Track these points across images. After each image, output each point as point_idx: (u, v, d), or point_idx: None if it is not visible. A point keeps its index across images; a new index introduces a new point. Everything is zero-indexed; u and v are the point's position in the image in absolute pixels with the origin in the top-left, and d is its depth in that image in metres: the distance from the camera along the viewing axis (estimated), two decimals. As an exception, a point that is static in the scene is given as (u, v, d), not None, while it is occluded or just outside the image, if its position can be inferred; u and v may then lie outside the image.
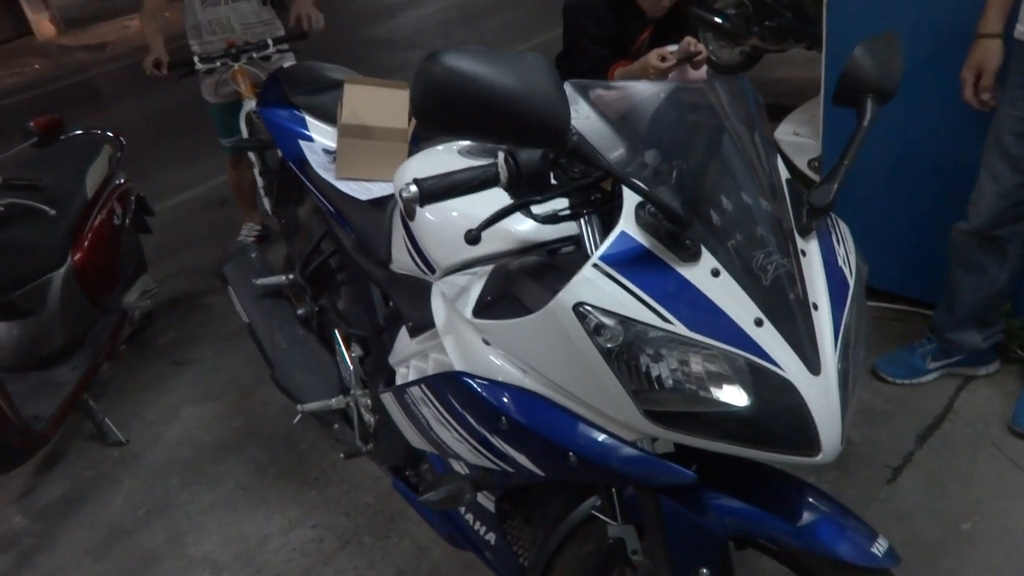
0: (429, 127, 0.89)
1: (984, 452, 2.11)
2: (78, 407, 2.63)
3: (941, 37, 2.19)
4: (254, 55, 3.11)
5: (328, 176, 1.94)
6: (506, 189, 1.10)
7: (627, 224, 1.03)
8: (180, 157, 5.28)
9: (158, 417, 2.79)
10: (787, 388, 0.99)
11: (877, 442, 2.17)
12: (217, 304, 3.43)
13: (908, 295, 2.61)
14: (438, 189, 1.08)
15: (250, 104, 2.97)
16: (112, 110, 7.18)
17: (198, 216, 4.40)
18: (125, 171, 3.14)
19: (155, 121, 6.33)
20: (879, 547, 1.11)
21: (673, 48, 2.35)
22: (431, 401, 1.32)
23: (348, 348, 1.97)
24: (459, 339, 1.24)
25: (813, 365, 1.00)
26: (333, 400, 1.99)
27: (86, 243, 2.71)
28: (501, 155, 1.08)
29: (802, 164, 2.90)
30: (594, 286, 0.99)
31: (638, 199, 1.03)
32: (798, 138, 2.98)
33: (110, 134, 3.22)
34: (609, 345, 0.99)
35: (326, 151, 2.04)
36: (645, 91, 1.19)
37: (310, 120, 2.12)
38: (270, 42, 3.11)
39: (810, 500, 1.17)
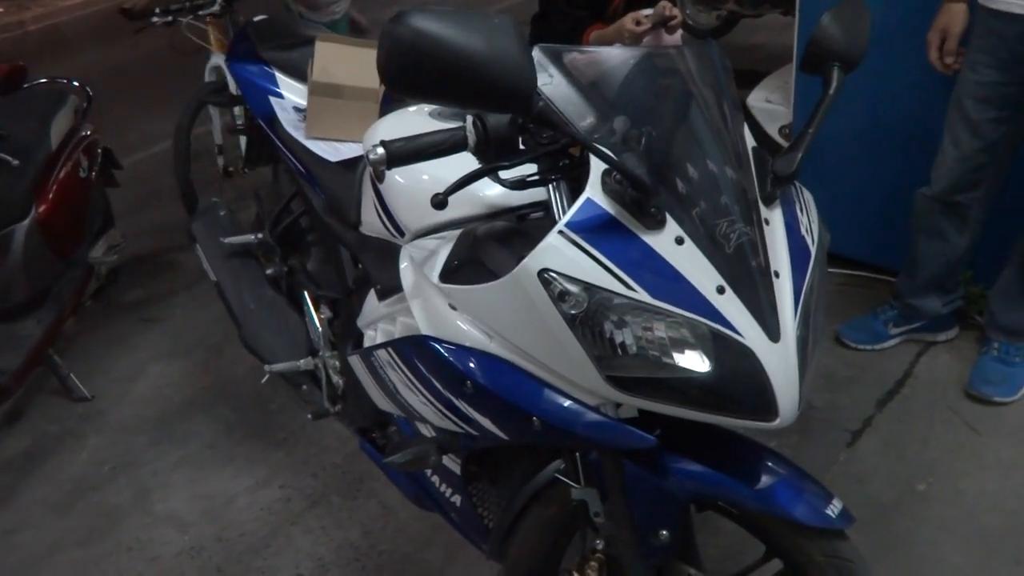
0: (395, 89, 0.88)
1: (941, 416, 2.17)
2: (42, 362, 2.60)
3: (910, 5, 2.20)
4: (200, 12, 3.05)
5: (298, 135, 1.91)
6: (474, 153, 1.09)
7: (593, 191, 1.03)
8: (149, 110, 5.15)
9: (125, 374, 2.77)
10: (747, 354, 1.00)
11: (838, 407, 2.22)
12: (186, 261, 3.39)
13: (873, 262, 2.65)
14: (405, 152, 1.07)
15: (217, 59, 2.91)
16: (78, 59, 6.97)
17: (167, 171, 4.29)
18: (92, 123, 3.06)
19: (123, 72, 6.16)
20: (833, 508, 1.14)
21: (648, 12, 2.33)
22: (397, 364, 1.33)
23: (317, 309, 1.97)
24: (426, 303, 1.24)
25: (773, 332, 1.02)
26: (301, 361, 1.99)
27: (51, 195, 2.66)
28: (469, 119, 1.07)
29: (773, 131, 2.91)
30: (559, 253, 1.00)
31: (604, 166, 1.03)
32: (770, 105, 2.98)
33: (76, 84, 3.13)
34: (573, 311, 1.00)
35: (296, 109, 2.01)
36: (615, 57, 1.18)
37: (280, 76, 2.08)
38: None
39: (768, 464, 1.19)
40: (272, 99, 2.03)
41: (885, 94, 2.36)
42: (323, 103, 1.90)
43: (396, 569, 1.93)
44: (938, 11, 2.02)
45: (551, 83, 1.07)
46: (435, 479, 1.55)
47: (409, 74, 0.86)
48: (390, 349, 1.34)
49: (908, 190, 2.27)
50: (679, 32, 2.46)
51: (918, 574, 1.78)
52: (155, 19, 2.99)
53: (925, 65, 2.09)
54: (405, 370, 1.30)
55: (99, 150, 3.07)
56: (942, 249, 2.23)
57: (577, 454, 1.26)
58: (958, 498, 1.94)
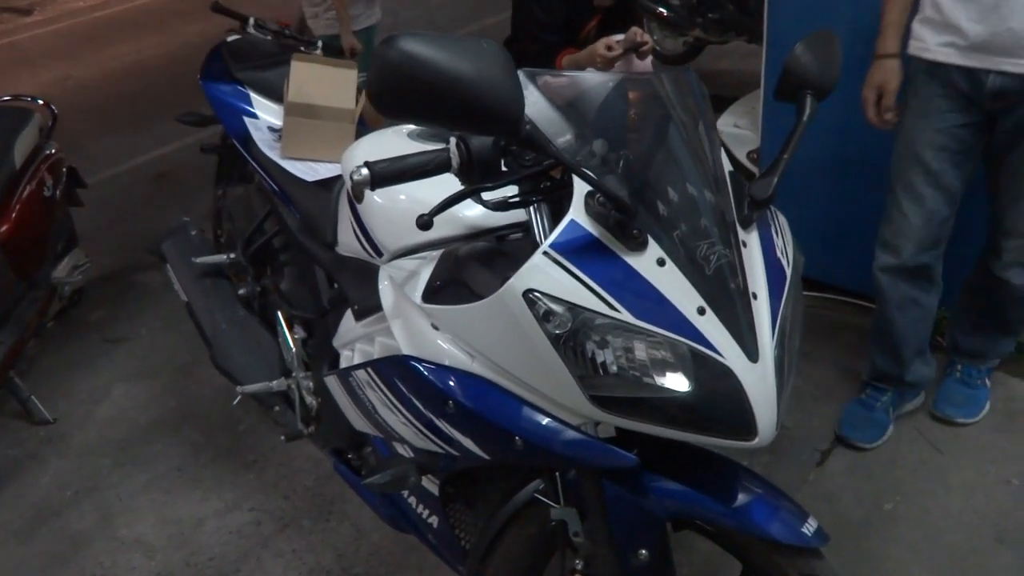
0: (385, 111, 0.89)
1: (907, 436, 2.21)
2: (3, 384, 2.54)
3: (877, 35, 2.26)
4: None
5: (273, 155, 1.91)
6: (457, 175, 1.10)
7: (577, 213, 1.04)
8: (114, 128, 5.10)
9: (88, 396, 2.71)
10: (726, 374, 1.02)
11: (808, 426, 2.26)
12: (151, 282, 3.34)
13: (838, 284, 2.70)
14: (389, 173, 1.07)
15: None
16: (41, 77, 6.87)
17: (133, 190, 4.25)
18: (56, 141, 3.01)
19: (88, 90, 6.08)
20: (809, 527, 1.16)
21: (620, 37, 2.37)
22: (377, 384, 1.32)
23: (291, 330, 1.95)
24: (407, 323, 1.24)
25: (751, 352, 1.04)
26: (274, 382, 1.97)
27: (13, 215, 2.60)
28: (453, 141, 1.08)
29: (741, 155, 2.97)
30: (544, 273, 1.01)
31: (588, 188, 1.05)
32: (738, 130, 3.05)
33: (40, 101, 3.09)
34: (557, 331, 1.01)
35: (271, 129, 2.00)
36: (594, 80, 1.21)
37: (255, 97, 2.08)
38: None
39: (744, 483, 1.21)
40: (246, 119, 2.03)
41: (851, 122, 2.42)
42: (299, 123, 1.91)
43: (369, 593, 1.91)
44: (871, 69, 1.97)
45: (533, 106, 1.08)
46: (412, 500, 1.54)
47: (399, 96, 0.87)
48: (369, 369, 1.34)
49: (872, 215, 2.31)
50: (649, 58, 2.51)
51: (886, 591, 1.81)
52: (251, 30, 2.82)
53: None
54: (385, 390, 1.30)
55: (64, 169, 3.03)
56: (918, 316, 2.13)
57: (557, 474, 1.26)
58: (924, 517, 1.98)
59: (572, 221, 1.04)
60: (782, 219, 1.25)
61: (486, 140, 1.08)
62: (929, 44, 1.88)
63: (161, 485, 2.30)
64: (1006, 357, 2.32)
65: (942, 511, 1.99)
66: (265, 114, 2.04)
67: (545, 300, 1.00)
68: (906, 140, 1.99)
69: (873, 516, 1.99)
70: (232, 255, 2.18)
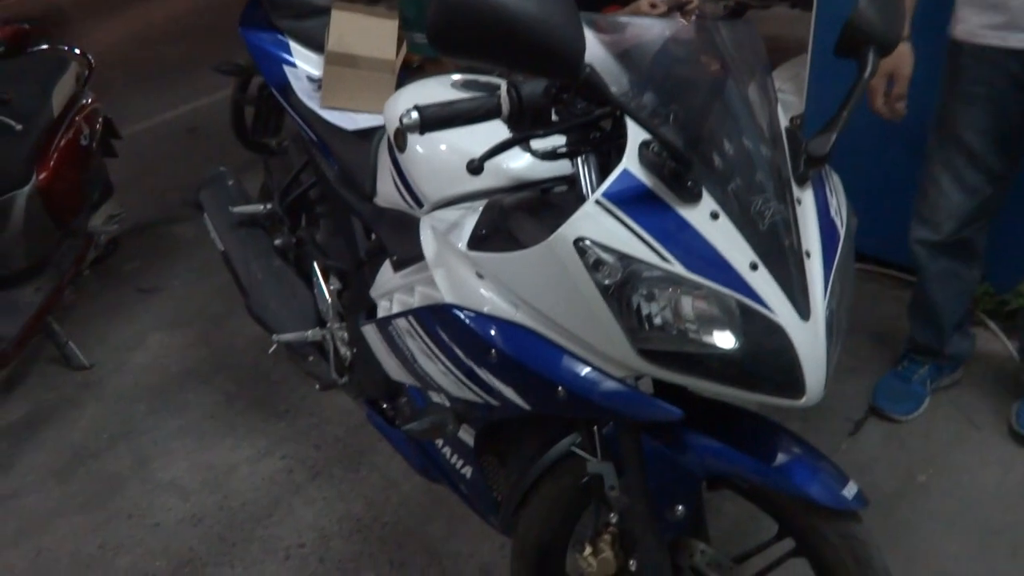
0: (443, 49, 0.87)
1: (943, 411, 2.18)
2: (41, 330, 2.58)
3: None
4: None
5: (312, 104, 1.89)
6: (506, 122, 1.09)
7: (630, 162, 1.02)
8: (148, 81, 5.11)
9: (123, 343, 2.75)
10: (777, 331, 1.01)
11: (841, 395, 2.23)
12: (184, 234, 3.37)
13: (876, 255, 2.66)
14: (440, 117, 1.06)
15: None
16: (77, 31, 6.89)
17: (166, 143, 4.27)
18: (92, 91, 3.02)
19: (123, 43, 6.09)
20: (849, 490, 1.15)
21: (665, -5, 2.32)
22: (417, 333, 1.32)
23: (326, 280, 1.95)
24: (450, 272, 1.24)
25: (803, 310, 1.02)
26: (309, 332, 1.98)
27: (52, 162, 2.62)
28: (504, 86, 1.06)
29: (785, 121, 2.90)
30: (595, 222, 0.99)
31: (642, 137, 1.03)
32: (781, 95, 2.97)
33: (77, 51, 3.09)
34: (607, 281, 0.99)
35: (310, 79, 1.98)
36: (651, 28, 1.18)
37: (294, 46, 2.05)
38: None
39: (784, 443, 1.20)
40: (286, 68, 2.01)
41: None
42: (339, 72, 1.89)
43: (398, 541, 1.93)
44: None
45: (589, 51, 1.06)
46: (446, 450, 1.55)
47: (458, 34, 0.86)
48: (411, 317, 1.33)
49: (912, 186, 2.25)
50: (693, 17, 2.45)
51: (917, 562, 1.80)
52: None
53: (935, 59, 2.02)
54: (426, 339, 1.30)
55: (100, 119, 3.04)
56: (959, 289, 2.10)
57: (595, 428, 1.26)
58: (957, 490, 1.96)
59: (625, 170, 1.02)
60: (836, 179, 1.22)
61: (537, 87, 1.06)
62: (974, 26, 1.80)
63: (194, 431, 2.33)
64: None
65: (977, 486, 1.97)
66: (304, 63, 2.02)
67: (596, 249, 0.99)
68: (947, 123, 1.92)
69: (906, 488, 1.97)
70: (268, 205, 2.18)
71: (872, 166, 2.52)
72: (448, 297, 1.23)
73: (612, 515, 1.29)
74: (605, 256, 0.99)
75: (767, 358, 1.01)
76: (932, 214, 2.00)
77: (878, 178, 2.53)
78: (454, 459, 1.54)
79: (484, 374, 1.19)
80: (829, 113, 1.16)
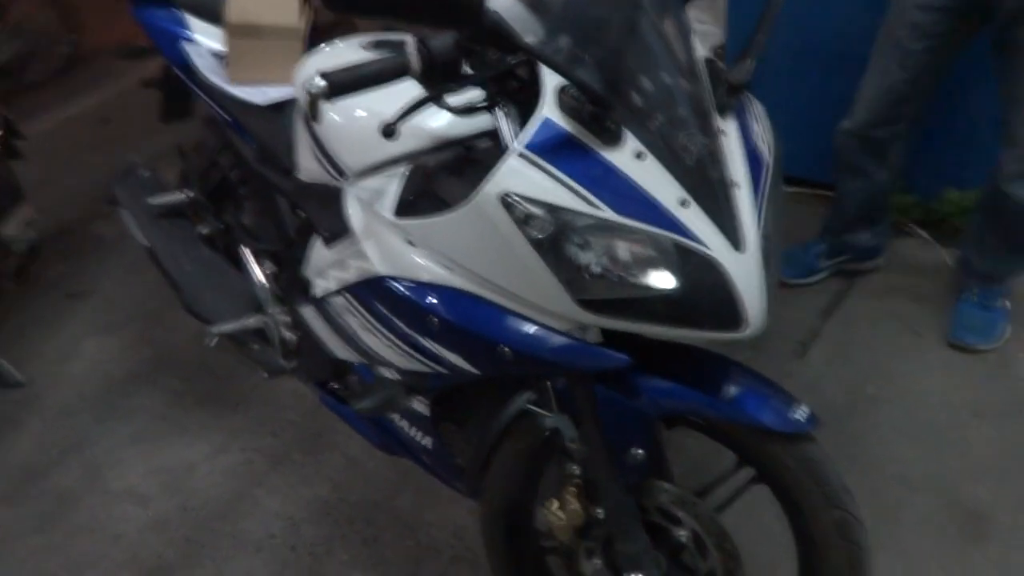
0: (336, 6, 0.82)
1: (884, 322, 2.24)
2: (-33, 350, 2.46)
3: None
4: None
5: (219, 81, 1.81)
6: (418, 79, 1.04)
7: (549, 110, 1.00)
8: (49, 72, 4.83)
9: (59, 354, 2.64)
10: (712, 266, 1.00)
11: (786, 320, 2.27)
12: (109, 231, 3.22)
13: (810, 178, 2.69)
14: (348, 80, 1.01)
15: None
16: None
17: (76, 137, 4.06)
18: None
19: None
20: (801, 413, 1.16)
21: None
22: (356, 309, 1.29)
23: (259, 264, 1.89)
24: (380, 242, 1.20)
25: (736, 242, 1.02)
26: (250, 320, 1.91)
27: (-51, 172, 2.47)
28: (411, 42, 1.02)
29: (707, 52, 2.89)
30: (520, 175, 0.97)
31: (558, 83, 1.00)
32: (701, 25, 2.94)
33: (-37, 50, 2.90)
34: (538, 235, 0.97)
35: (214, 54, 1.89)
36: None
37: (192, 20, 1.95)
38: None
39: (734, 376, 1.21)
40: (186, 45, 1.91)
41: (818, 6, 2.36)
42: (243, 45, 1.80)
43: (368, 518, 1.92)
44: None
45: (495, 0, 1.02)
46: (403, 424, 1.52)
47: None
48: (347, 294, 1.30)
49: (843, 105, 2.28)
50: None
51: (873, 471, 1.86)
52: None
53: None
54: (365, 314, 1.26)
55: None
56: (864, 185, 2.24)
57: (548, 383, 1.25)
58: (906, 397, 2.02)
59: (546, 118, 0.99)
60: (759, 106, 1.21)
61: (447, 40, 1.02)
62: None
63: (146, 435, 2.26)
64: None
65: (923, 391, 2.03)
66: (206, 38, 1.92)
67: (523, 203, 0.96)
68: (890, 12, 2.00)
69: (856, 401, 2.03)
70: (189, 192, 2.10)
71: (791, 87, 2.53)
72: (381, 268, 1.19)
73: (574, 467, 1.29)
74: (533, 209, 0.96)
75: (706, 294, 1.01)
76: (855, 103, 2.13)
77: (799, 99, 2.54)
78: (412, 431, 1.52)
79: (428, 343, 1.17)
80: (751, 31, 1.14)
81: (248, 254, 1.91)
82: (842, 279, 2.38)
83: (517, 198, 0.96)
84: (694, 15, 3.31)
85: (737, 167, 1.08)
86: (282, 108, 1.65)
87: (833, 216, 2.38)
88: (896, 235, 2.50)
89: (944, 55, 1.99)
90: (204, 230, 2.09)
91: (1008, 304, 2.20)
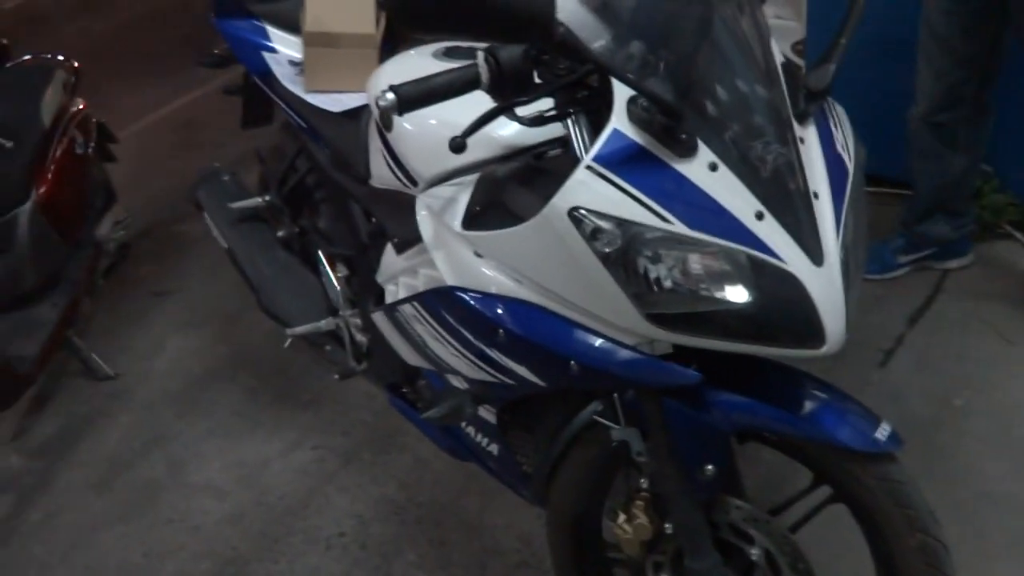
0: (402, 23, 0.83)
1: (974, 329, 2.13)
2: (62, 345, 2.58)
3: None
4: None
5: (297, 89, 1.85)
6: (488, 91, 1.04)
7: (619, 121, 0.98)
8: (137, 79, 5.04)
9: (145, 350, 2.76)
10: (790, 281, 0.97)
11: (869, 325, 2.18)
12: (193, 231, 3.34)
13: (886, 175, 2.56)
14: (417, 95, 1.01)
15: None
16: (57, 35, 6.81)
17: (164, 139, 4.23)
18: (81, 97, 2.98)
19: (105, 42, 6.02)
20: (882, 432, 1.12)
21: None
22: (424, 318, 1.29)
23: (333, 268, 1.93)
24: (449, 253, 1.20)
25: (816, 256, 0.98)
26: (323, 322, 1.96)
27: (49, 175, 2.60)
28: (480, 55, 1.01)
29: (786, 48, 2.78)
30: (588, 189, 0.95)
31: (629, 93, 0.98)
32: (781, 21, 2.85)
33: (61, 58, 3.05)
34: (607, 249, 0.96)
35: (292, 63, 1.93)
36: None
37: (271, 30, 2.00)
38: None
39: (810, 389, 1.17)
40: (266, 55, 1.96)
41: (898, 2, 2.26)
42: (319, 54, 1.83)
43: (435, 519, 1.94)
44: None
45: (564, 9, 1.00)
46: (470, 430, 1.53)
47: (418, 5, 0.81)
48: (415, 303, 1.31)
49: (911, 94, 2.19)
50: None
51: (959, 486, 1.77)
52: None
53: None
54: (433, 323, 1.27)
55: (93, 124, 3.01)
56: (938, 170, 2.17)
57: (615, 395, 1.23)
58: (996, 410, 1.92)
59: (615, 130, 0.97)
60: (840, 110, 1.17)
61: (516, 51, 1.01)
62: None
63: (223, 431, 2.34)
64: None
65: (1013, 404, 1.92)
66: (284, 47, 1.96)
67: (592, 217, 0.95)
68: (924, 10, 1.99)
69: (942, 413, 1.94)
70: (267, 197, 2.15)
71: (858, 80, 2.42)
72: (450, 279, 1.19)
73: (642, 480, 1.27)
74: (602, 223, 0.95)
75: (782, 310, 0.97)
76: (917, 92, 2.11)
77: (868, 92, 2.43)
78: (479, 438, 1.52)
79: (495, 354, 1.16)
80: (833, 34, 1.10)
81: (323, 257, 1.95)
82: (929, 282, 2.27)
83: (585, 212, 0.95)
84: (773, 10, 3.23)
85: (817, 176, 1.04)
86: (356, 115, 1.68)
87: (910, 207, 2.31)
88: (989, 237, 2.38)
89: (984, 36, 1.94)
90: (281, 233, 2.14)
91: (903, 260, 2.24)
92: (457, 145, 1.02)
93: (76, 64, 3.03)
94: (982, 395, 1.96)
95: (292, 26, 1.98)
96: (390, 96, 1.00)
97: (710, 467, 1.18)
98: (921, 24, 2.00)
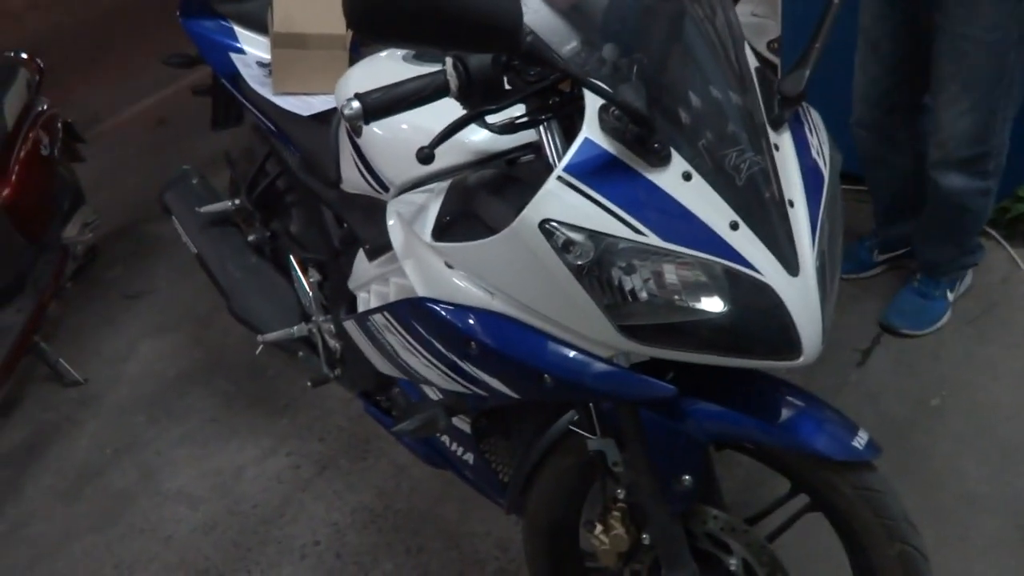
0: (364, 33, 0.80)
1: (950, 327, 2.13)
2: (29, 350, 2.53)
3: None
4: None
5: (265, 91, 1.81)
6: (457, 99, 1.01)
7: (590, 130, 0.95)
8: (105, 76, 4.94)
9: (115, 354, 2.71)
10: (765, 291, 0.95)
11: (846, 326, 2.18)
12: (164, 232, 3.27)
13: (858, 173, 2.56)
14: (383, 104, 0.98)
15: None
16: (22, 27, 6.66)
17: (134, 139, 4.16)
18: (47, 96, 2.92)
19: (71, 38, 5.90)
20: (859, 440, 1.11)
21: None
22: (395, 328, 1.27)
23: (305, 273, 1.89)
24: (419, 263, 1.18)
25: (791, 266, 0.97)
26: (295, 328, 1.92)
27: (13, 177, 2.54)
28: (449, 61, 0.99)
29: (761, 46, 2.79)
30: (559, 200, 0.93)
31: (600, 101, 0.95)
32: (756, 18, 2.85)
33: (24, 55, 2.97)
34: (579, 262, 0.93)
35: (260, 64, 1.89)
36: (599, -22, 1.09)
37: (239, 30, 1.96)
38: None
39: (787, 397, 1.16)
40: (233, 56, 1.92)
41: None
42: (288, 55, 1.79)
43: (413, 528, 1.91)
44: None
45: (532, 13, 0.98)
46: (445, 439, 1.51)
47: (379, 15, 0.78)
48: (386, 313, 1.28)
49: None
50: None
51: (938, 487, 1.77)
52: None
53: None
54: (404, 333, 1.24)
55: (59, 124, 2.94)
56: (890, 175, 2.17)
57: (591, 405, 1.21)
58: (973, 410, 1.92)
59: (586, 140, 0.95)
60: (815, 115, 1.15)
61: (485, 57, 0.99)
62: None
63: (197, 437, 2.30)
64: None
65: (992, 403, 1.93)
66: (252, 48, 1.92)
67: (563, 229, 0.93)
68: (861, 9, 1.97)
69: (919, 413, 1.94)
70: (237, 201, 2.11)
71: (820, 81, 2.41)
72: (420, 289, 1.17)
73: (619, 490, 1.25)
74: (573, 235, 0.92)
75: (758, 321, 0.96)
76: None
77: (830, 93, 2.42)
78: (455, 447, 1.50)
79: (467, 366, 1.14)
80: (808, 33, 1.08)
81: (295, 262, 1.92)
82: (904, 281, 2.27)
83: (556, 224, 0.92)
84: (748, 8, 3.22)
85: (792, 184, 1.02)
86: (326, 118, 1.64)
87: (875, 210, 2.31)
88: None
89: (913, 39, 1.91)
90: (252, 237, 2.10)
91: (950, 296, 2.16)
92: (424, 156, 0.99)
93: (39, 62, 2.96)
94: (958, 395, 1.96)
95: (260, 26, 1.94)
96: (355, 105, 0.97)
97: (687, 477, 1.17)
98: (860, 31, 1.99)
